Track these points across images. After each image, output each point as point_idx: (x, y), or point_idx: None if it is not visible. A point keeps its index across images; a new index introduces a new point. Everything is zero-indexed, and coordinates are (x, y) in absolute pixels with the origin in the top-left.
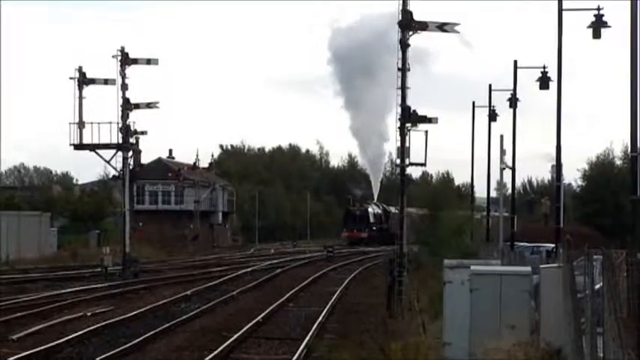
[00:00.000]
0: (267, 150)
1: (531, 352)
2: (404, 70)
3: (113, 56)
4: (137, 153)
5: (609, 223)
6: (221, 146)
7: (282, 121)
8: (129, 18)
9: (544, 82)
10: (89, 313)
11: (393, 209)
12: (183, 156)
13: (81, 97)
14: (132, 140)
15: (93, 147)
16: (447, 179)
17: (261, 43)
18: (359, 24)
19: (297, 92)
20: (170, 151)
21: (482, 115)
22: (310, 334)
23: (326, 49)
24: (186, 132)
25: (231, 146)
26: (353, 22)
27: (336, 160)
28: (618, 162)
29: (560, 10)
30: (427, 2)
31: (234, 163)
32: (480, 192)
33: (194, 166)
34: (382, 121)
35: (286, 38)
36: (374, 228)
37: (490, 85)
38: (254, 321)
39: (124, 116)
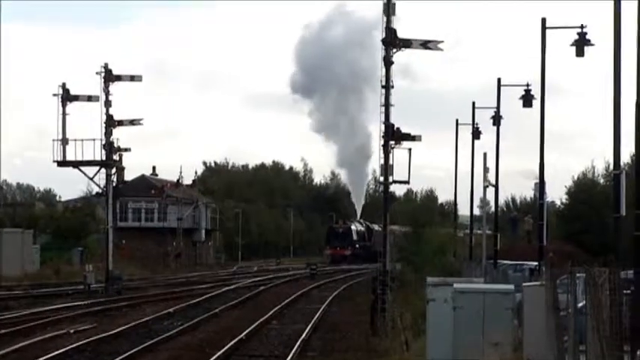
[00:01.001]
0: (250, 167)
1: None
2: (387, 87)
3: (97, 73)
4: (120, 170)
5: (592, 241)
6: (204, 163)
7: (266, 138)
8: (112, 35)
9: (527, 100)
10: (72, 331)
11: (376, 227)
12: (167, 173)
13: (64, 114)
14: (115, 157)
15: (76, 164)
16: (430, 197)
17: (244, 59)
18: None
19: (278, 109)
20: (154, 168)
21: (466, 132)
22: (293, 351)
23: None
24: (169, 149)
25: (215, 163)
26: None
27: (319, 177)
28: (601, 180)
29: (544, 28)
30: (410, 20)
31: (218, 180)
32: (463, 210)
33: (177, 184)
34: (363, 137)
35: (267, 55)
36: (357, 245)
37: (474, 103)
38: (237, 338)
39: (108, 133)
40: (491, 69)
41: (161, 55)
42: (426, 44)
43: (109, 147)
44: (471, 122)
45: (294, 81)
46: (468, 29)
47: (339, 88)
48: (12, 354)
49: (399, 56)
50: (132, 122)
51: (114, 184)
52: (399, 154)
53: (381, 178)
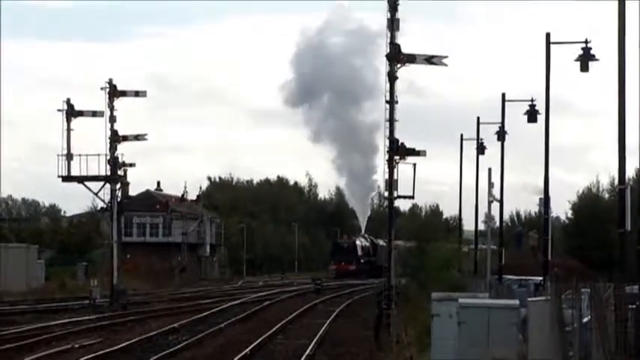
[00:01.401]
0: (255, 182)
1: None
2: (392, 102)
3: (101, 88)
4: (125, 185)
5: (597, 256)
6: (209, 178)
7: (270, 154)
8: (113, 51)
9: (532, 115)
10: (77, 346)
11: (381, 242)
12: (172, 188)
13: (69, 129)
14: (120, 172)
15: (81, 179)
16: (435, 212)
17: (247, 75)
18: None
19: (282, 125)
20: (158, 183)
21: (471, 147)
22: None
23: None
24: (174, 164)
25: (220, 178)
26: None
27: (324, 192)
28: (606, 194)
29: (548, 43)
30: (414, 36)
31: (222, 195)
32: (468, 224)
33: (182, 199)
34: (368, 154)
35: (269, 70)
36: (362, 260)
37: (478, 118)
38: (242, 353)
39: (112, 148)
40: (495, 84)
41: (163, 69)
42: (430, 59)
43: (114, 162)
44: (475, 137)
45: (289, 90)
46: (472, 44)
47: (337, 94)
48: None
49: (403, 71)
50: (136, 137)
51: (118, 199)
52: (403, 169)
53: (386, 193)
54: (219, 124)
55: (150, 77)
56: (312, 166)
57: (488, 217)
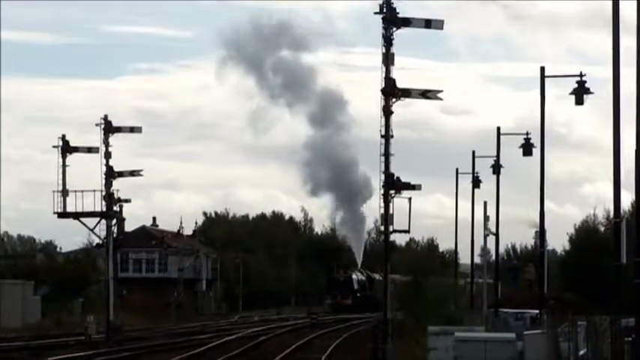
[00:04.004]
0: (251, 217)
1: None
2: (387, 137)
3: (97, 124)
4: (121, 221)
5: (593, 289)
6: (205, 213)
7: (265, 188)
8: (113, 86)
9: (527, 148)
10: None
11: (377, 276)
12: (167, 223)
13: (64, 165)
14: (115, 208)
15: (76, 215)
16: (431, 246)
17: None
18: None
19: (277, 159)
20: (154, 218)
21: (466, 181)
22: None
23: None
24: (168, 199)
25: (215, 213)
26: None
27: (319, 227)
28: (602, 227)
29: (543, 77)
30: (406, 70)
31: (218, 230)
32: (464, 258)
33: (178, 234)
34: (361, 187)
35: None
36: (358, 295)
37: (474, 152)
38: None
39: (108, 184)
40: (490, 117)
41: (153, 106)
42: (425, 93)
43: (109, 198)
44: (470, 171)
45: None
46: (467, 78)
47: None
48: None
49: (398, 106)
50: (132, 173)
51: (114, 235)
52: (399, 203)
53: (382, 228)
54: (213, 159)
55: (139, 113)
56: (308, 201)
57: (484, 250)
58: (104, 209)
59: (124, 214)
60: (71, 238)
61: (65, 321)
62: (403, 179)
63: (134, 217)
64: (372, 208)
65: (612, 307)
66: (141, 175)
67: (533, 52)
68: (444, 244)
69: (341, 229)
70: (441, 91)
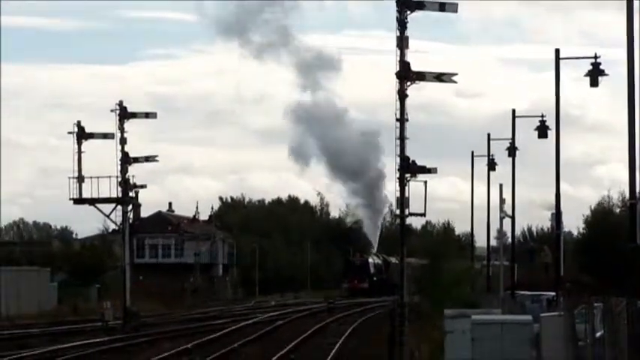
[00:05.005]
0: (267, 202)
1: None
2: (402, 120)
3: (112, 110)
4: (137, 207)
5: (609, 271)
6: (221, 198)
7: (281, 173)
8: (126, 72)
9: (542, 131)
10: None
11: (393, 259)
12: (183, 209)
13: (80, 152)
14: (131, 194)
15: (92, 201)
16: (447, 229)
17: (256, 96)
18: None
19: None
20: (170, 204)
21: (482, 163)
22: None
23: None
24: (185, 185)
25: (231, 198)
26: None
27: (336, 211)
28: (617, 209)
29: (558, 59)
30: (423, 53)
31: (234, 215)
32: (481, 241)
33: (194, 219)
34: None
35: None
36: (374, 278)
37: (489, 135)
38: None
39: (123, 170)
40: (505, 99)
41: (168, 91)
42: (439, 77)
43: (125, 184)
44: (486, 154)
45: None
46: (482, 60)
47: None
48: None
49: (413, 89)
50: (147, 159)
51: (130, 221)
52: (414, 186)
53: (397, 211)
54: (227, 144)
55: (154, 99)
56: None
57: (501, 233)
58: (120, 195)
59: (140, 200)
60: (87, 224)
61: (81, 307)
62: (418, 163)
63: (150, 203)
64: (387, 192)
65: (628, 289)
66: (156, 160)
67: (547, 35)
68: (460, 227)
69: (355, 213)
70: (456, 74)
